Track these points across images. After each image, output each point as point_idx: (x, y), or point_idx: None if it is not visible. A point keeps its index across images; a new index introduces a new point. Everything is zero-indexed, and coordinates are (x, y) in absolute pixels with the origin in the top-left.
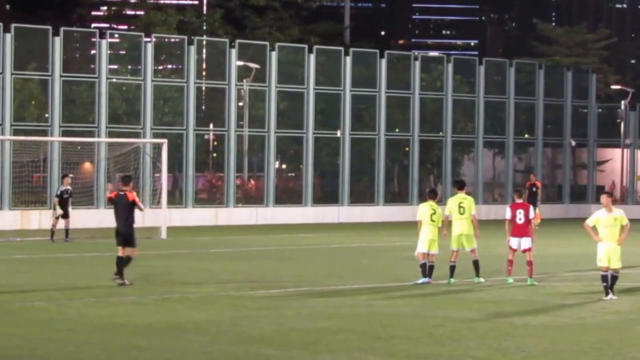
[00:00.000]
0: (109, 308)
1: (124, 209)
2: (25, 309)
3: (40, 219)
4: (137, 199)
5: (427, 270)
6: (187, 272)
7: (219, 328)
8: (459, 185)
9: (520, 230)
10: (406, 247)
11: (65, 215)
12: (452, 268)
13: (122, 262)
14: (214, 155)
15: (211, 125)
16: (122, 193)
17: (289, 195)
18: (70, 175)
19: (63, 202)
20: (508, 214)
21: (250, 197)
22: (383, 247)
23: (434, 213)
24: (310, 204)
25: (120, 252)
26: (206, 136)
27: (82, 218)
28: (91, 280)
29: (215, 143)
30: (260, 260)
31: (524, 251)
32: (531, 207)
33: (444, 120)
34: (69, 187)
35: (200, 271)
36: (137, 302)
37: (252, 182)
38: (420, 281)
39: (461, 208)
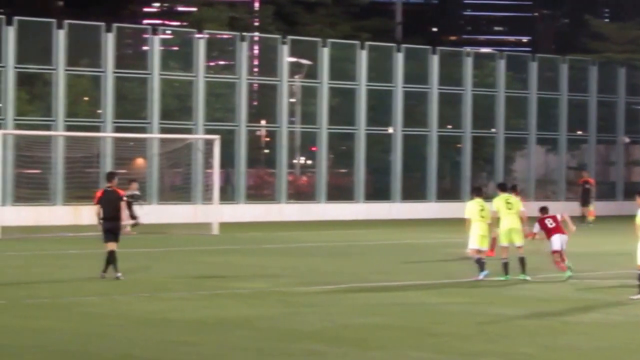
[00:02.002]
0: (160, 303)
1: (114, 205)
2: (77, 303)
3: (92, 214)
4: (124, 197)
5: (477, 266)
6: (238, 268)
7: (270, 324)
8: (502, 187)
9: (556, 231)
10: (457, 244)
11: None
12: (506, 265)
13: (113, 258)
14: (266, 151)
15: (263, 122)
16: (109, 189)
17: (340, 191)
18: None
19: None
20: (536, 228)
21: (301, 193)
22: (434, 243)
23: (482, 209)
24: (361, 201)
25: (110, 247)
26: (258, 132)
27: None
28: (142, 275)
29: (267, 139)
30: (311, 256)
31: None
32: (558, 215)
33: (496, 117)
34: (136, 192)
35: (251, 267)
36: (189, 297)
37: (305, 177)
38: (481, 276)
39: (509, 204)
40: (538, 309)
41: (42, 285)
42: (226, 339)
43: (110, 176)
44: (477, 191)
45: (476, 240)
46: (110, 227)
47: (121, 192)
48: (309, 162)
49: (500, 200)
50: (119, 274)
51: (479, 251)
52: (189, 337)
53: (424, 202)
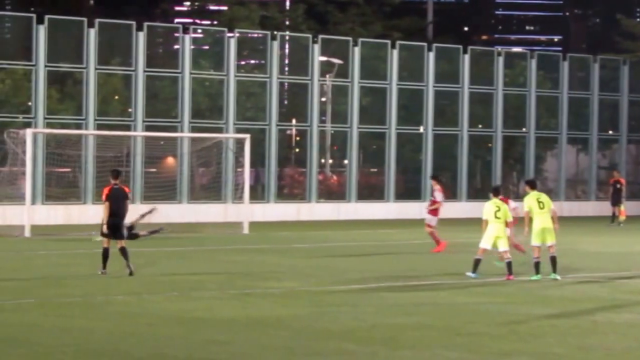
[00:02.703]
0: (190, 302)
1: (122, 201)
2: (107, 303)
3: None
4: (129, 194)
5: (506, 266)
6: (269, 267)
7: (300, 323)
8: (532, 184)
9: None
10: None
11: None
12: (537, 264)
13: (127, 255)
14: (297, 150)
15: (294, 121)
16: (117, 187)
17: (371, 191)
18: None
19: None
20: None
21: (332, 193)
22: (464, 243)
23: (499, 210)
24: (392, 200)
25: (107, 243)
26: (288, 131)
27: (165, 212)
28: (172, 274)
29: (298, 138)
30: (342, 255)
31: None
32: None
33: (527, 116)
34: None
35: (281, 266)
36: (219, 296)
37: (335, 177)
38: (468, 273)
39: (540, 203)
40: (568, 309)
41: (72, 284)
42: (257, 338)
43: (116, 173)
44: (495, 191)
45: (489, 241)
46: (116, 223)
47: (127, 190)
48: (339, 161)
49: (532, 199)
50: (104, 270)
51: (485, 251)
52: (219, 336)
53: (455, 201)
